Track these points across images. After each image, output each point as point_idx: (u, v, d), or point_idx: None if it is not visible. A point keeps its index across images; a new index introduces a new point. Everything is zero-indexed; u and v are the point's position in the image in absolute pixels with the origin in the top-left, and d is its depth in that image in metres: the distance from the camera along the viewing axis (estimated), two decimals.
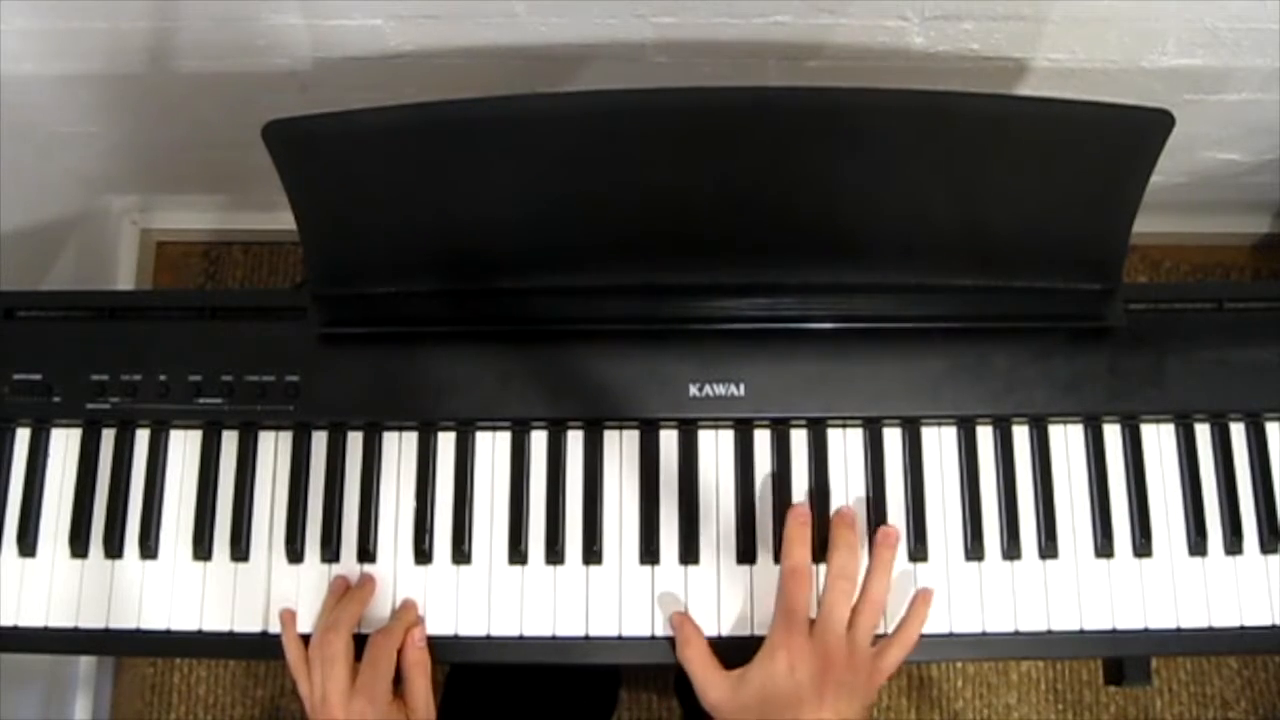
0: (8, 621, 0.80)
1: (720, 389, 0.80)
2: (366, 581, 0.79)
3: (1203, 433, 0.81)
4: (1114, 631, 0.78)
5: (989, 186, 0.76)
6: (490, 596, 0.79)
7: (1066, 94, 0.79)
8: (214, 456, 0.82)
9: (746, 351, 0.80)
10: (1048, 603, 0.78)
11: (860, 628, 0.74)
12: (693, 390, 0.80)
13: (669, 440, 0.81)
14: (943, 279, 0.79)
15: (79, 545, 0.81)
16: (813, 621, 0.74)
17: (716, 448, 0.81)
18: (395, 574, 0.79)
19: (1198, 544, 0.79)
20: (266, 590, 0.80)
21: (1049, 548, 0.79)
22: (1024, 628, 0.78)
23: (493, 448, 0.81)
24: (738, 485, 0.80)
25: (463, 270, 0.79)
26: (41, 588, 0.80)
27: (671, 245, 0.78)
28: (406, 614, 0.78)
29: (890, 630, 0.76)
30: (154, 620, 0.79)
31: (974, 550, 0.79)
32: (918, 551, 0.79)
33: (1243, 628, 0.78)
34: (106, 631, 0.79)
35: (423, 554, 0.79)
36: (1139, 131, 0.72)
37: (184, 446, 0.82)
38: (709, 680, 0.74)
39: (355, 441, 0.82)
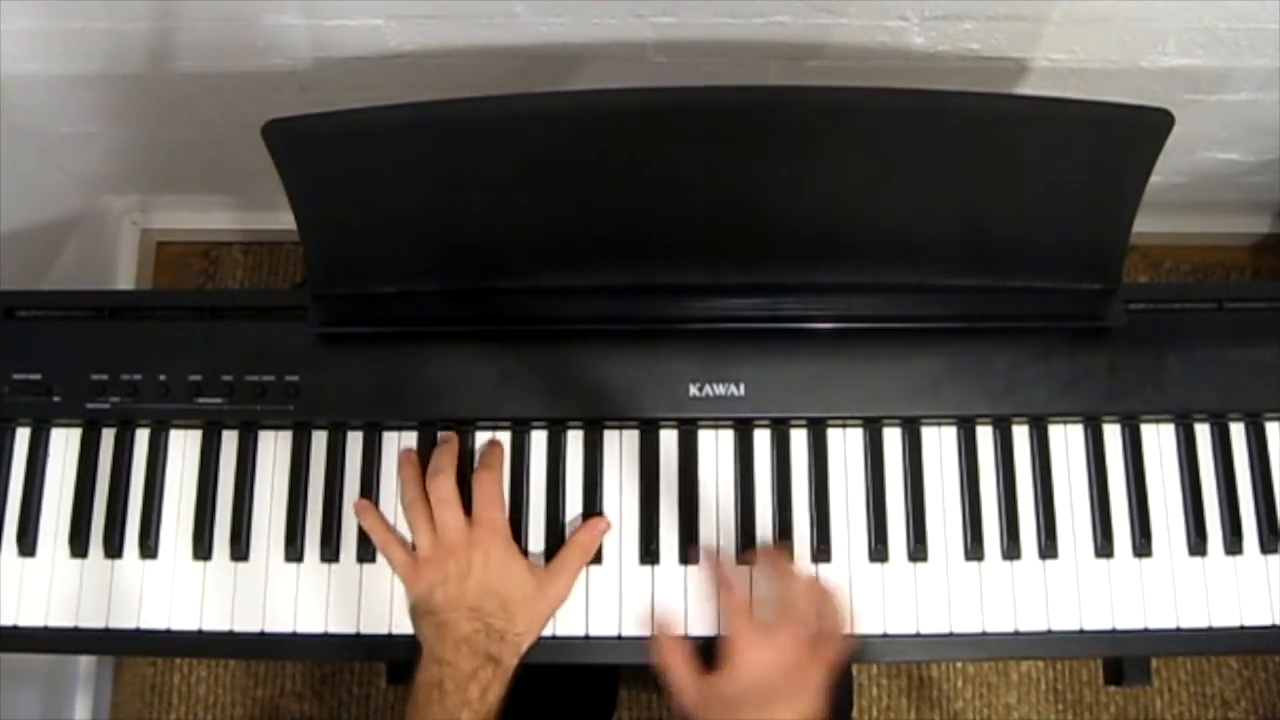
0: (8, 621, 0.80)
1: (720, 389, 0.80)
2: (450, 437, 0.80)
3: (1203, 433, 0.81)
4: (1114, 631, 0.78)
5: (989, 186, 0.76)
6: None
7: (1066, 94, 0.79)
8: (214, 456, 0.82)
9: (746, 351, 0.80)
10: (1048, 603, 0.78)
11: (815, 618, 0.74)
12: (693, 390, 0.80)
13: (669, 440, 0.81)
14: (942, 279, 0.79)
15: (79, 545, 0.80)
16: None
17: (716, 448, 0.81)
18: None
19: (1197, 544, 0.79)
20: (266, 590, 0.79)
21: (1049, 548, 0.79)
22: (1024, 628, 0.78)
23: None
24: (737, 485, 0.80)
25: (462, 270, 0.79)
26: (41, 587, 0.80)
27: (671, 245, 0.78)
28: (493, 453, 0.80)
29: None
30: (154, 620, 0.79)
31: (974, 550, 0.79)
32: (917, 552, 0.79)
33: (1243, 628, 0.78)
34: (106, 631, 0.79)
35: None
36: (1139, 131, 0.72)
37: (184, 446, 0.82)
38: (683, 686, 0.74)
39: (355, 441, 0.82)
